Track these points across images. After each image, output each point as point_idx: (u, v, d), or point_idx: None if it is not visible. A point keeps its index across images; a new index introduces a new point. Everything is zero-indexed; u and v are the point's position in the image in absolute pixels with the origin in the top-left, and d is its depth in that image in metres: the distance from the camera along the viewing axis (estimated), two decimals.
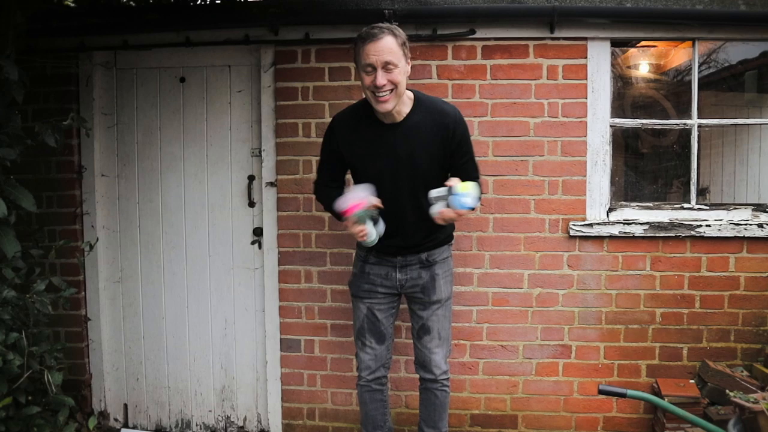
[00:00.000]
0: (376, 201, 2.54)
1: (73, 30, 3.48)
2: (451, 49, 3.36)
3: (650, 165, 4.17)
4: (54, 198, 3.65)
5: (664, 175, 4.10)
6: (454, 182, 2.46)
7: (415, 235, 2.72)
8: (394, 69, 2.46)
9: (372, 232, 2.57)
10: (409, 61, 2.55)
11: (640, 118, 3.47)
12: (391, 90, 2.47)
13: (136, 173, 3.69)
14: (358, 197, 2.50)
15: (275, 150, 3.50)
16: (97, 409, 3.77)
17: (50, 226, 3.63)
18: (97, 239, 3.59)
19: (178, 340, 3.74)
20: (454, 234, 2.96)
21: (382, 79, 2.44)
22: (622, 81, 3.88)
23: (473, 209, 2.63)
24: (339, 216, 2.63)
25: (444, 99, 3.01)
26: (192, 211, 3.67)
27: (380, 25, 2.51)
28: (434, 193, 2.52)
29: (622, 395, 2.51)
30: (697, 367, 3.35)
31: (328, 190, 2.81)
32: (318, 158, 2.94)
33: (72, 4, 3.57)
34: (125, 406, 3.81)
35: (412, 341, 2.95)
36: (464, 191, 2.44)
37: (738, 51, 3.92)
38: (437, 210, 2.52)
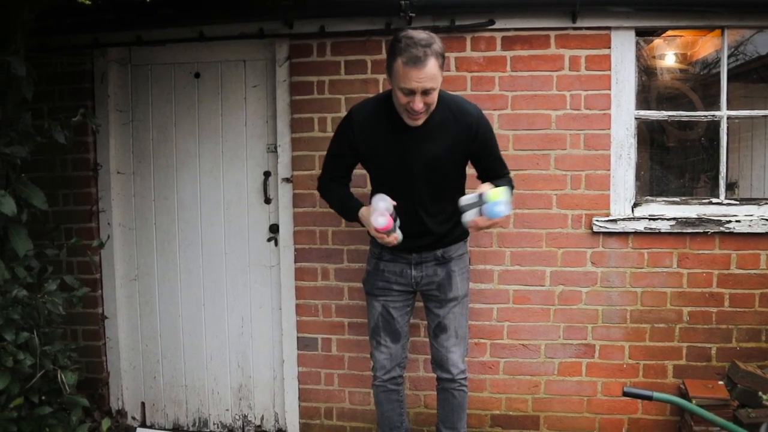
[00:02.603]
0: (393, 202, 2.49)
1: (86, 26, 3.45)
2: (469, 40, 3.27)
3: (676, 159, 4.05)
4: (70, 196, 3.64)
5: (690, 170, 3.99)
6: (485, 188, 2.39)
7: (432, 233, 2.67)
8: (432, 92, 2.39)
9: (400, 234, 2.54)
10: (443, 71, 2.45)
11: (668, 110, 3.34)
12: (425, 110, 2.42)
13: (151, 170, 3.66)
14: (386, 209, 2.44)
15: (291, 145, 3.44)
16: (115, 408, 3.75)
17: (66, 224, 3.61)
18: (108, 236, 3.56)
19: (194, 338, 3.71)
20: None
21: (419, 104, 2.37)
22: (646, 73, 3.77)
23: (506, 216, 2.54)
24: (346, 216, 2.62)
25: (463, 93, 2.95)
26: (207, 208, 3.63)
27: (421, 39, 2.32)
28: (465, 200, 2.45)
29: (648, 398, 2.40)
30: (727, 368, 3.24)
31: (337, 186, 2.75)
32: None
33: (86, 1, 3.53)
34: (143, 404, 3.79)
35: (429, 339, 2.88)
36: (496, 199, 2.36)
37: None
38: (469, 219, 2.45)
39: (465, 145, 2.56)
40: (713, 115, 3.27)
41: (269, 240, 3.57)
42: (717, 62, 3.65)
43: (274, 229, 3.54)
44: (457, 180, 2.66)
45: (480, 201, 2.39)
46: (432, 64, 2.32)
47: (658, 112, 3.31)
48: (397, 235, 2.51)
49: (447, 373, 2.79)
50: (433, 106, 2.46)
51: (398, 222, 2.54)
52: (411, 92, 2.35)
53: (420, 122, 2.46)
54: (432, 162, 2.54)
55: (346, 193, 2.73)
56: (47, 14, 3.31)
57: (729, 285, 3.23)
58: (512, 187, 2.69)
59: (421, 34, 2.35)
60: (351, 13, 3.28)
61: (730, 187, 3.51)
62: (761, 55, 3.85)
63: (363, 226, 2.66)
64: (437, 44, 2.36)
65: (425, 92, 2.35)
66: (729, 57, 3.30)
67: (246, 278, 3.63)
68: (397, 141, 2.55)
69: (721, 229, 3.18)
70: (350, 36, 3.33)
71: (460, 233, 2.76)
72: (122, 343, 3.74)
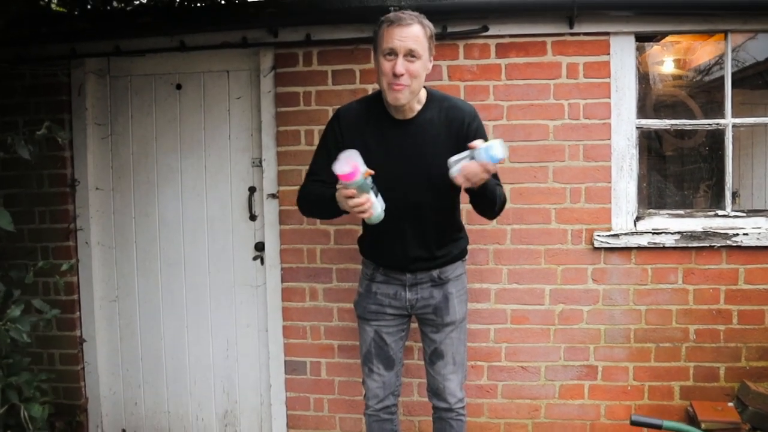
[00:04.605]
0: (369, 170, 2.18)
1: (63, 36, 3.31)
2: (462, 47, 3.13)
3: (676, 169, 3.94)
4: (46, 213, 3.49)
5: (694, 181, 3.86)
6: (477, 143, 2.15)
7: (427, 244, 2.48)
8: (416, 60, 2.24)
9: (377, 205, 2.22)
10: (432, 57, 2.34)
11: (667, 118, 3.21)
12: (409, 83, 2.25)
13: (131, 186, 3.51)
14: (355, 160, 2.12)
15: (276, 159, 3.29)
16: None
17: (42, 242, 3.48)
18: (77, 260, 3.45)
19: (177, 362, 3.54)
20: (469, 247, 2.73)
21: (401, 67, 2.22)
22: (643, 80, 3.65)
23: (501, 161, 2.18)
24: (326, 208, 2.35)
25: None
26: (190, 225, 3.48)
27: (408, 11, 2.30)
28: (455, 157, 2.20)
29: (658, 426, 2.25)
30: (736, 389, 3.09)
31: (319, 186, 2.44)
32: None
33: (60, 9, 3.40)
34: None
35: (423, 364, 2.71)
36: (491, 143, 2.12)
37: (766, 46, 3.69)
38: (458, 167, 2.17)
39: (457, 141, 2.35)
40: (718, 123, 3.14)
41: (255, 258, 3.41)
42: (715, 68, 3.55)
43: (259, 247, 3.39)
44: (451, 184, 2.45)
45: (470, 155, 2.15)
46: (416, 29, 2.25)
47: (660, 120, 3.18)
48: (371, 200, 2.18)
49: (444, 402, 2.62)
50: (418, 85, 2.30)
51: (379, 198, 2.23)
52: (393, 53, 2.23)
53: (402, 99, 2.28)
54: (422, 159, 2.38)
55: (326, 189, 2.38)
56: (21, 23, 3.19)
57: (737, 301, 3.08)
58: (504, 200, 2.50)
59: (407, 10, 2.33)
60: (338, 20, 3.15)
61: (732, 197, 3.38)
62: (759, 61, 3.76)
63: (344, 211, 2.31)
64: (425, 20, 2.30)
65: (408, 57, 2.23)
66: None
67: (231, 299, 3.47)
68: (384, 137, 2.40)
69: (728, 242, 3.04)
70: (337, 44, 3.19)
71: (458, 252, 2.59)
72: (101, 367, 3.57)
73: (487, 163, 2.11)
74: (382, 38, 2.27)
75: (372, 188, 2.19)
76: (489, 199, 2.38)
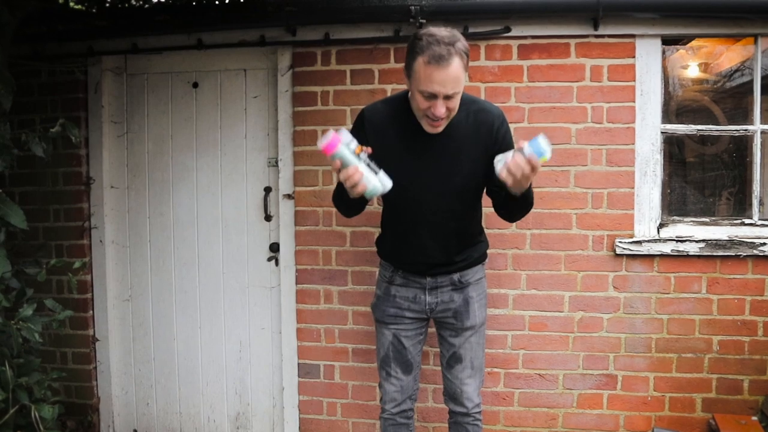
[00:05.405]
0: (364, 147, 2.15)
1: (80, 33, 3.29)
2: (483, 48, 3.08)
3: (698, 176, 3.85)
4: (61, 211, 3.47)
5: (711, 187, 3.77)
6: (524, 143, 2.08)
7: (449, 248, 2.43)
8: (455, 97, 2.15)
9: (371, 179, 2.12)
10: (467, 72, 2.22)
11: (690, 124, 3.12)
12: (448, 116, 2.20)
13: (146, 185, 3.48)
14: (336, 135, 2.09)
15: (293, 160, 3.25)
16: None
17: (57, 240, 3.46)
18: (92, 259, 3.42)
19: (190, 362, 3.51)
20: (488, 251, 2.67)
21: (441, 108, 2.14)
22: (666, 84, 3.57)
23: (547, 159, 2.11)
24: (349, 201, 2.31)
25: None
26: (205, 225, 3.44)
27: (443, 37, 2.10)
28: (500, 156, 2.13)
29: None
30: (760, 402, 3.00)
31: None
32: None
33: (77, 6, 3.37)
34: None
35: (440, 369, 2.65)
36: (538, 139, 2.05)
37: None
38: (503, 164, 2.09)
39: (485, 144, 2.32)
40: (746, 129, 3.06)
41: (269, 259, 3.37)
42: (737, 74, 3.47)
43: (274, 248, 3.35)
44: (477, 188, 2.42)
45: (516, 152, 2.08)
46: (456, 65, 2.09)
47: (686, 126, 3.10)
48: (359, 170, 2.09)
49: (461, 407, 2.57)
50: (455, 112, 2.23)
51: (380, 174, 2.14)
52: (432, 96, 2.13)
53: (440, 129, 2.25)
54: (448, 162, 2.32)
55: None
56: (38, 20, 3.17)
57: (763, 312, 3.00)
58: (531, 204, 2.45)
59: (443, 32, 2.13)
60: (357, 19, 3.10)
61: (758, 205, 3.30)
62: None
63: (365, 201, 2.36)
64: (461, 42, 2.14)
65: (448, 96, 2.13)
66: (749, 69, 3.11)
67: (245, 300, 3.43)
68: (410, 139, 2.34)
69: (755, 252, 2.96)
70: (356, 44, 3.14)
71: (478, 256, 2.55)
72: (114, 366, 3.55)
73: (532, 155, 2.03)
74: (419, 76, 2.13)
75: (368, 164, 2.13)
76: (526, 201, 2.33)
